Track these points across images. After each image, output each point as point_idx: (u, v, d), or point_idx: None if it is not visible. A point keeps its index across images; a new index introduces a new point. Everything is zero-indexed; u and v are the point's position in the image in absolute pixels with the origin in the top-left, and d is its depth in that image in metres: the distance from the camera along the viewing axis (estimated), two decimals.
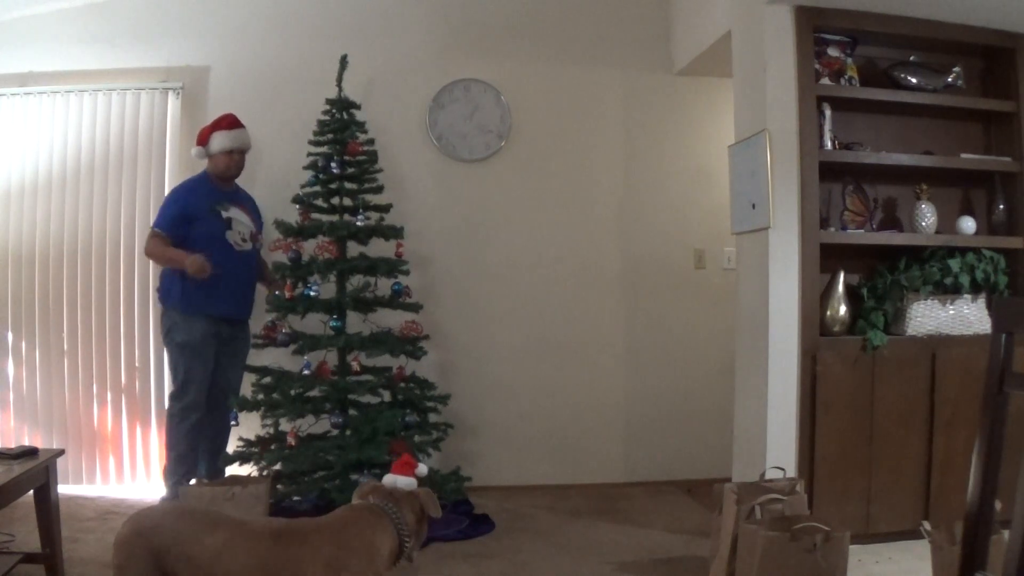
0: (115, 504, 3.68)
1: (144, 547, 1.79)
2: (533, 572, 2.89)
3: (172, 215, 3.47)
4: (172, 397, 3.50)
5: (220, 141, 3.52)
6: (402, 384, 3.51)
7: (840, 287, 3.21)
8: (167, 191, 3.96)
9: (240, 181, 4.04)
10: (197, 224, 3.45)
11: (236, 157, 3.57)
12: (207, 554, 1.78)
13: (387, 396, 3.55)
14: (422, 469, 2.11)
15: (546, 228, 4.22)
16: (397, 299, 3.49)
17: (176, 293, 3.46)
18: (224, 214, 3.50)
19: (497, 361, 4.17)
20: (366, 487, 2.03)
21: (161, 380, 3.91)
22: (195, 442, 3.49)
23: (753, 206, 3.25)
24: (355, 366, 3.38)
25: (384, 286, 3.52)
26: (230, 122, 3.58)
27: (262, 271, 3.75)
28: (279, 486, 3.27)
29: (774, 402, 3.11)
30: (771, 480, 2.83)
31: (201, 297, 3.42)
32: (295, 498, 3.37)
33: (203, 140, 3.56)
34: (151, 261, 3.68)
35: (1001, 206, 3.40)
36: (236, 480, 3.02)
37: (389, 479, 2.04)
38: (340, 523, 1.89)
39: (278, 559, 1.79)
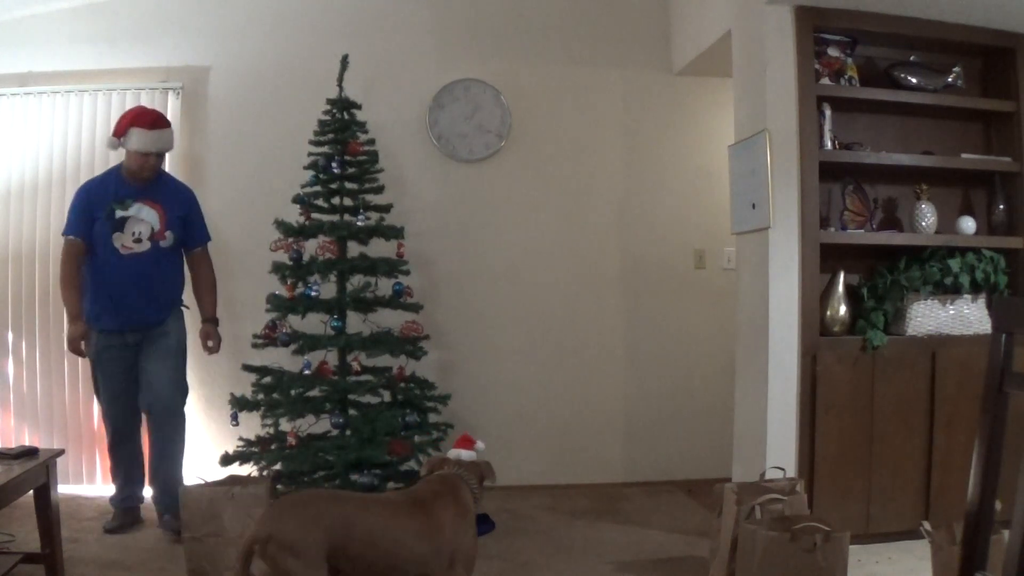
0: None
1: (319, 535, 1.92)
2: (533, 572, 2.89)
3: (75, 216, 3.20)
4: None
5: (138, 139, 3.16)
6: (402, 384, 3.50)
7: (840, 287, 3.21)
8: None
9: (242, 180, 4.05)
10: (94, 226, 3.19)
11: (152, 160, 3.22)
12: (375, 530, 2.01)
13: (387, 396, 3.54)
14: (480, 445, 2.46)
15: (546, 228, 4.22)
16: (397, 299, 3.49)
17: (85, 304, 3.26)
18: (120, 213, 3.18)
19: (497, 361, 4.17)
20: (437, 459, 2.40)
21: None
22: (119, 457, 3.36)
23: (753, 206, 3.25)
24: (355, 366, 3.38)
25: (384, 286, 3.52)
26: (152, 120, 3.20)
27: (199, 276, 3.45)
28: (279, 486, 3.26)
29: (774, 402, 3.11)
30: (771, 480, 2.83)
31: (91, 313, 3.24)
32: None
33: (120, 131, 3.19)
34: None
35: (1001, 206, 3.40)
36: (236, 480, 3.01)
37: (454, 452, 2.41)
38: (448, 488, 2.22)
39: (423, 523, 2.08)
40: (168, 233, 3.29)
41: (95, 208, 3.18)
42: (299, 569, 1.90)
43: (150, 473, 3.36)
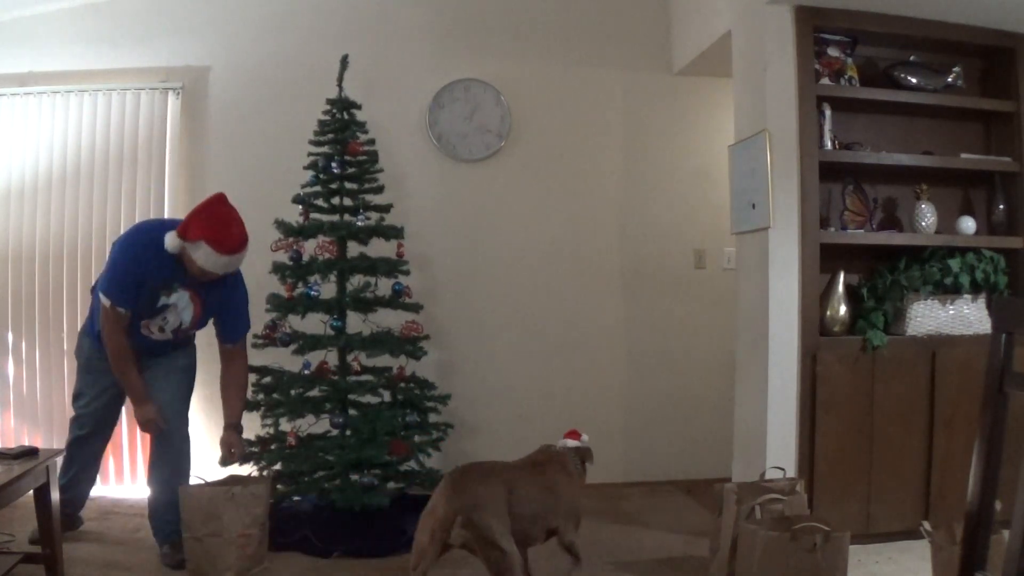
0: (115, 504, 3.68)
1: (503, 496, 2.34)
2: (533, 572, 2.89)
3: (123, 287, 2.79)
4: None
5: (206, 258, 2.75)
6: (402, 384, 3.50)
7: (840, 287, 3.21)
8: (167, 191, 3.99)
9: (242, 180, 4.05)
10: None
11: (212, 277, 2.85)
12: (525, 488, 2.43)
13: (387, 396, 3.54)
14: (585, 438, 2.81)
15: (546, 228, 4.22)
16: (397, 299, 3.49)
17: (109, 278, 2.85)
18: (163, 301, 2.87)
19: (497, 361, 4.17)
20: (546, 445, 2.78)
21: None
22: (72, 457, 3.12)
23: (753, 206, 3.25)
24: (355, 366, 3.38)
25: (384, 286, 3.52)
26: (230, 248, 2.78)
27: (229, 375, 3.06)
28: (279, 486, 3.26)
29: (774, 402, 3.11)
30: (771, 480, 2.83)
31: (92, 328, 2.99)
32: (295, 498, 3.37)
33: (189, 234, 2.74)
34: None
35: (1001, 206, 3.40)
36: (236, 480, 3.01)
37: (561, 442, 2.78)
38: (556, 457, 2.68)
39: (547, 482, 2.54)
40: (193, 332, 3.05)
41: (144, 284, 2.82)
42: (498, 527, 2.29)
43: (150, 502, 3.03)
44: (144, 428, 2.94)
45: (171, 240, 2.76)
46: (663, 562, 2.99)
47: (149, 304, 2.86)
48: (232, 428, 3.06)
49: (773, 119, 3.14)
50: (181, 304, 2.91)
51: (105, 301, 2.82)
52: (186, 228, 2.76)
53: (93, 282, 3.68)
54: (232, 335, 3.06)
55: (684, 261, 4.31)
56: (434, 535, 2.26)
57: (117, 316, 2.83)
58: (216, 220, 2.78)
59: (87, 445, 3.18)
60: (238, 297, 3.03)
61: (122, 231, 3.92)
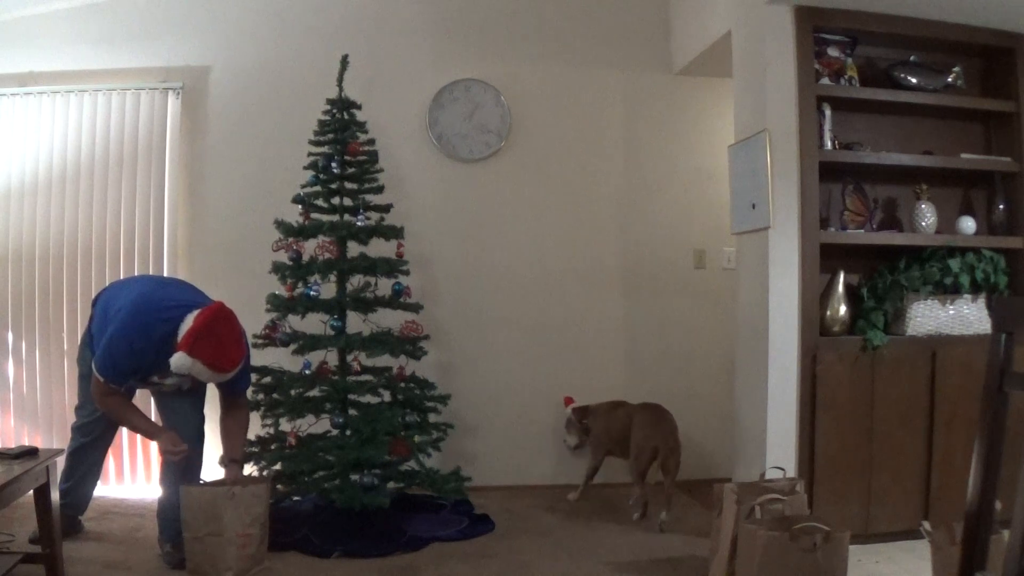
0: (115, 504, 3.68)
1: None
2: (533, 572, 2.89)
3: (119, 372, 2.78)
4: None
5: (203, 373, 2.75)
6: (402, 384, 3.50)
7: (840, 287, 3.21)
8: (167, 191, 3.99)
9: (242, 180, 4.05)
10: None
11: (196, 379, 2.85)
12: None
13: (387, 396, 3.54)
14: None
15: (546, 228, 4.22)
16: (397, 299, 3.49)
17: (105, 360, 2.78)
18: (156, 380, 2.87)
19: (497, 361, 4.17)
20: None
21: None
22: (76, 462, 3.14)
23: (753, 206, 3.25)
24: (355, 366, 3.38)
25: (384, 286, 3.51)
26: (229, 368, 2.80)
27: (229, 416, 3.01)
28: (279, 486, 3.26)
29: (774, 402, 3.11)
30: (771, 480, 2.83)
31: (105, 363, 2.81)
32: (295, 498, 3.37)
33: (188, 350, 2.68)
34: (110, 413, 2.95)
35: (1001, 206, 3.40)
36: (236, 480, 3.00)
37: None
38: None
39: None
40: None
41: (139, 370, 2.82)
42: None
43: (160, 501, 3.02)
44: (170, 456, 2.84)
45: (179, 360, 2.68)
46: (663, 562, 2.99)
47: (143, 381, 2.88)
48: (234, 463, 2.97)
49: (773, 119, 3.14)
50: (176, 380, 2.86)
51: (99, 377, 2.80)
52: (184, 344, 2.70)
53: (94, 288, 3.71)
54: (230, 389, 2.99)
55: (684, 261, 4.31)
56: (655, 452, 3.41)
57: (109, 388, 2.82)
58: (218, 343, 2.74)
59: (91, 452, 3.19)
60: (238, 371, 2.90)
61: (122, 231, 3.96)
